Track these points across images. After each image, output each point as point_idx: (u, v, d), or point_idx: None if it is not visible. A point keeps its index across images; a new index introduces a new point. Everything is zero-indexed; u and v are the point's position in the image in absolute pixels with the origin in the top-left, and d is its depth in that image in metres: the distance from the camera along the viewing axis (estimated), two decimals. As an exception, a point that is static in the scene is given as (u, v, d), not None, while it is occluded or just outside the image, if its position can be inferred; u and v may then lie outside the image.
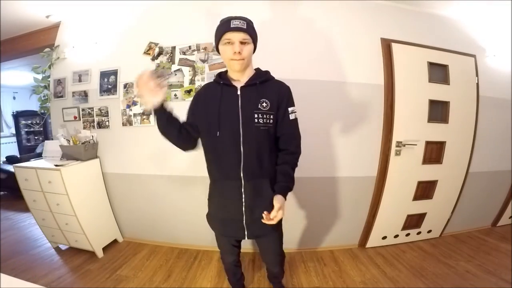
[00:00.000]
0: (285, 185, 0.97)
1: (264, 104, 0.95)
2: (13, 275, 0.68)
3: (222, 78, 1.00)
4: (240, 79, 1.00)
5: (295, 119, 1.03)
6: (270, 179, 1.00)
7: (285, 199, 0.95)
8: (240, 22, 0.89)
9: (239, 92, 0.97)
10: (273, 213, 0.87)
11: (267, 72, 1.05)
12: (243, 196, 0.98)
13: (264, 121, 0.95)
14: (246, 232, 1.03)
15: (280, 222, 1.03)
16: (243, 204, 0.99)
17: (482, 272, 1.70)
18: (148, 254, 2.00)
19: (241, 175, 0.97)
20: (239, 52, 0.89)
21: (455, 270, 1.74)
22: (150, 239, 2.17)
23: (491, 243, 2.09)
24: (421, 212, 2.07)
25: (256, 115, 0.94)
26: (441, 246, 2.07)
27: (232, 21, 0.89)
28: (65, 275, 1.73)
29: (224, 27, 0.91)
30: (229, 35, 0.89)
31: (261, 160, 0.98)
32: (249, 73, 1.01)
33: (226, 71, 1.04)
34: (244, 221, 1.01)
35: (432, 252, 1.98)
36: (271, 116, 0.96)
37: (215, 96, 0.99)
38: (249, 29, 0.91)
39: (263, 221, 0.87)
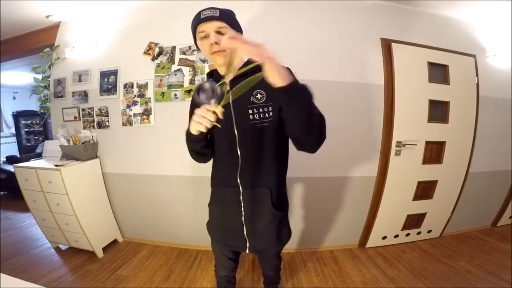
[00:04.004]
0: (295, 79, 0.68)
1: (259, 96, 0.81)
2: (13, 275, 0.68)
3: (213, 75, 0.91)
4: (230, 73, 0.85)
5: None
6: (271, 189, 0.87)
7: (292, 81, 0.65)
8: (211, 11, 0.78)
9: (228, 87, 0.86)
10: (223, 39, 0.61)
11: None
12: (242, 204, 0.88)
13: (261, 116, 0.80)
14: (247, 245, 0.93)
15: (287, 235, 0.98)
16: (242, 213, 0.89)
17: (482, 272, 1.70)
18: (148, 254, 2.00)
19: (238, 181, 0.87)
20: (216, 43, 0.76)
21: (455, 270, 1.74)
22: (150, 239, 2.17)
23: (491, 243, 2.09)
24: (421, 212, 2.07)
25: (250, 111, 0.81)
26: (441, 246, 2.07)
27: (202, 12, 0.79)
28: (65, 275, 1.73)
29: (195, 20, 0.81)
30: (201, 27, 0.79)
31: (260, 164, 0.86)
32: (240, 64, 0.85)
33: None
34: (245, 233, 0.91)
35: (432, 252, 1.98)
36: (270, 109, 0.80)
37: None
38: (224, 17, 0.78)
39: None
